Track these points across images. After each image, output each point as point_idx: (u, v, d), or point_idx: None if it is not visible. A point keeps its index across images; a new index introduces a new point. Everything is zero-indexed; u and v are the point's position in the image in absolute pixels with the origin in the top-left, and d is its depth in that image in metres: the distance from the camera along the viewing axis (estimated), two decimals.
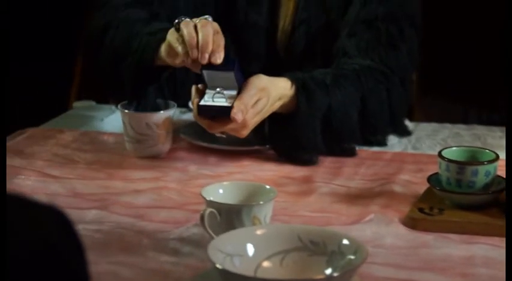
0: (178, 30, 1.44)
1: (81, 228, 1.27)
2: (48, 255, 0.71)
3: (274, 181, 1.46)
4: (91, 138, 1.66)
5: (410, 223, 1.31)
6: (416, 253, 1.22)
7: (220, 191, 1.26)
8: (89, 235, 1.26)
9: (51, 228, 0.73)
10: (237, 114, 1.39)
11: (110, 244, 1.24)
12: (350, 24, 1.65)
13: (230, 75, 1.41)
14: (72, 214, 1.29)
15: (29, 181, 1.46)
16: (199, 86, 1.44)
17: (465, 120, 2.48)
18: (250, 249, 1.10)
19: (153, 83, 1.59)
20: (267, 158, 1.57)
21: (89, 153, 1.60)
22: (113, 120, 1.76)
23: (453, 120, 1.85)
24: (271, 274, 1.08)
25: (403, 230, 1.30)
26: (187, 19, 1.44)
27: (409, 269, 1.17)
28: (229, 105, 1.40)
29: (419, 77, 2.16)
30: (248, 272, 1.06)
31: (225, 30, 1.70)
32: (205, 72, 1.42)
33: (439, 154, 1.36)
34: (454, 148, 1.39)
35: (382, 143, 1.66)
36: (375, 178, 1.50)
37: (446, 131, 1.76)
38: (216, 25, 1.43)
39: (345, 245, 1.08)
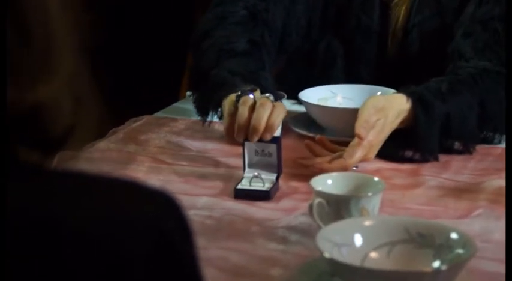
0: (237, 102, 1.41)
1: (192, 214, 1.31)
2: (158, 238, 0.73)
3: (381, 173, 1.47)
4: (202, 127, 1.71)
5: None
6: None
7: (329, 181, 1.27)
8: (200, 220, 1.29)
9: (162, 212, 0.75)
10: (360, 130, 1.39)
11: (220, 229, 1.28)
12: (465, 25, 1.61)
13: (272, 157, 1.38)
14: (184, 199, 1.34)
15: (143, 167, 1.51)
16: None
17: None
18: (358, 240, 1.11)
19: None
20: None
21: (201, 141, 1.63)
22: None
23: None
24: (378, 265, 1.09)
25: None
26: (251, 96, 1.40)
27: None
28: (268, 189, 1.37)
29: None
30: (355, 262, 1.08)
31: (336, 34, 1.71)
32: (247, 145, 1.40)
33: None
34: None
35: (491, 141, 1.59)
36: (484, 172, 1.49)
37: None
38: (278, 104, 1.39)
39: (454, 239, 1.08)
